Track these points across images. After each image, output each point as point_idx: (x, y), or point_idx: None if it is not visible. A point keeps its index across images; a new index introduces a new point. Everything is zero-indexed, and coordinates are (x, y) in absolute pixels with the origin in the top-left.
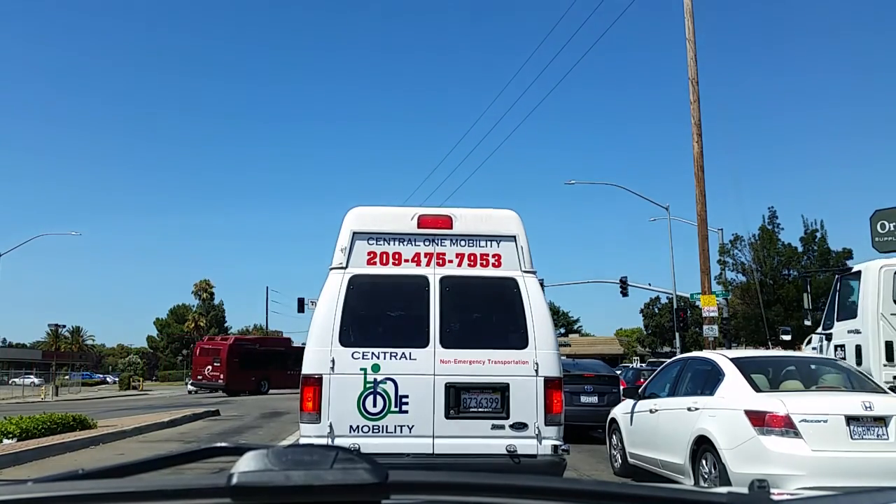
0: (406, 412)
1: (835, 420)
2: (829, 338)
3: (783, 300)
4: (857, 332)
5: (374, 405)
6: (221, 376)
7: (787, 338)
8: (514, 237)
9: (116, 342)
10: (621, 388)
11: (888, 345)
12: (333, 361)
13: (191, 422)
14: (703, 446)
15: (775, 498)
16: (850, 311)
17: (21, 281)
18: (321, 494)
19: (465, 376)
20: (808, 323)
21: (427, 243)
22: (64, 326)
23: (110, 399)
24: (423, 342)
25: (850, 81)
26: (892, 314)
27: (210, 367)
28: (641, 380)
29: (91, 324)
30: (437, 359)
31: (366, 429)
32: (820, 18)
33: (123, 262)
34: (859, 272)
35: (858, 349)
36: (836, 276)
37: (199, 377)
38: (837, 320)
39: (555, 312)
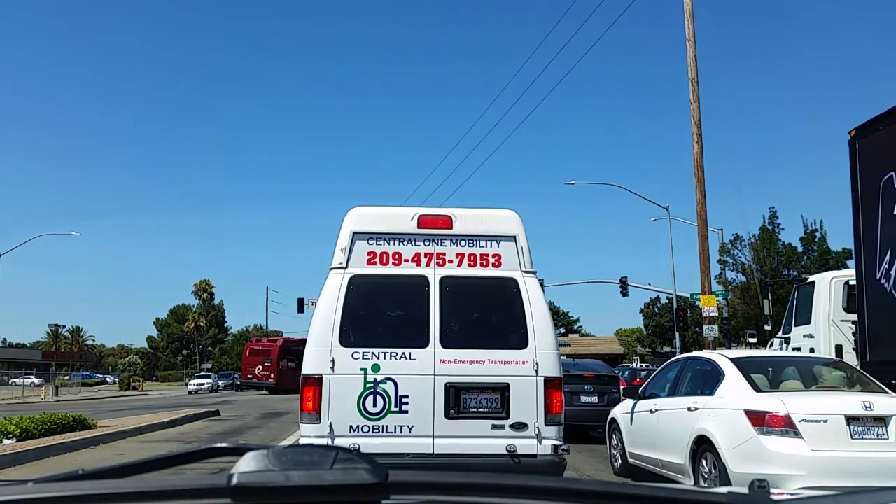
0: (406, 412)
1: (835, 420)
2: (787, 341)
3: (783, 300)
4: (811, 336)
5: (374, 405)
6: (272, 375)
7: (753, 340)
8: (514, 237)
9: (116, 342)
10: (621, 388)
11: (838, 348)
12: (333, 361)
13: (191, 422)
14: (703, 446)
15: (775, 498)
16: (805, 318)
17: (21, 281)
18: (321, 494)
19: (465, 376)
20: (767, 328)
21: (427, 243)
22: (64, 326)
23: (110, 399)
24: (423, 342)
25: (850, 86)
26: (842, 320)
27: (261, 366)
28: (637, 380)
29: (91, 324)
30: (437, 359)
31: (366, 429)
32: (822, 29)
33: (123, 263)
34: (813, 282)
35: (812, 352)
36: (795, 286)
37: (249, 376)
38: (795, 325)
39: (555, 312)
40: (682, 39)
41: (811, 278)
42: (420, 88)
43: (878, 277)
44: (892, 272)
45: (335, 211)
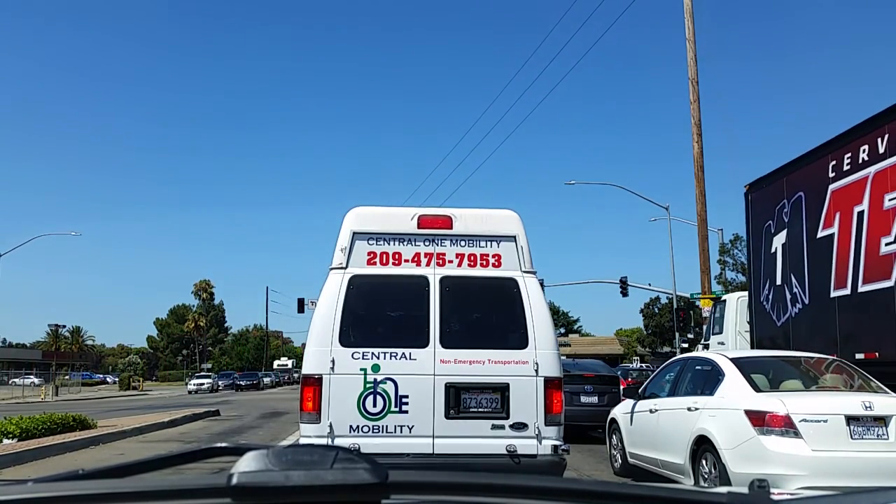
0: (406, 412)
1: (835, 420)
2: (707, 347)
3: None
4: (723, 343)
5: (374, 405)
6: None
7: (686, 345)
8: (514, 237)
9: (116, 342)
10: (621, 387)
11: None
12: (333, 361)
13: (191, 422)
14: (703, 446)
15: (775, 498)
16: (719, 328)
17: (21, 281)
18: (321, 494)
19: (465, 376)
20: (691, 336)
21: (427, 243)
22: (64, 326)
23: (110, 399)
24: (423, 342)
25: (851, 86)
26: (745, 331)
27: None
28: (630, 379)
29: (91, 324)
30: (437, 359)
31: (366, 429)
32: (823, 28)
33: (123, 262)
34: (725, 301)
35: None
36: (713, 303)
37: None
38: (713, 335)
39: (555, 312)
40: (682, 39)
41: (724, 297)
42: (421, 89)
43: (761, 300)
44: (770, 296)
45: (335, 211)
